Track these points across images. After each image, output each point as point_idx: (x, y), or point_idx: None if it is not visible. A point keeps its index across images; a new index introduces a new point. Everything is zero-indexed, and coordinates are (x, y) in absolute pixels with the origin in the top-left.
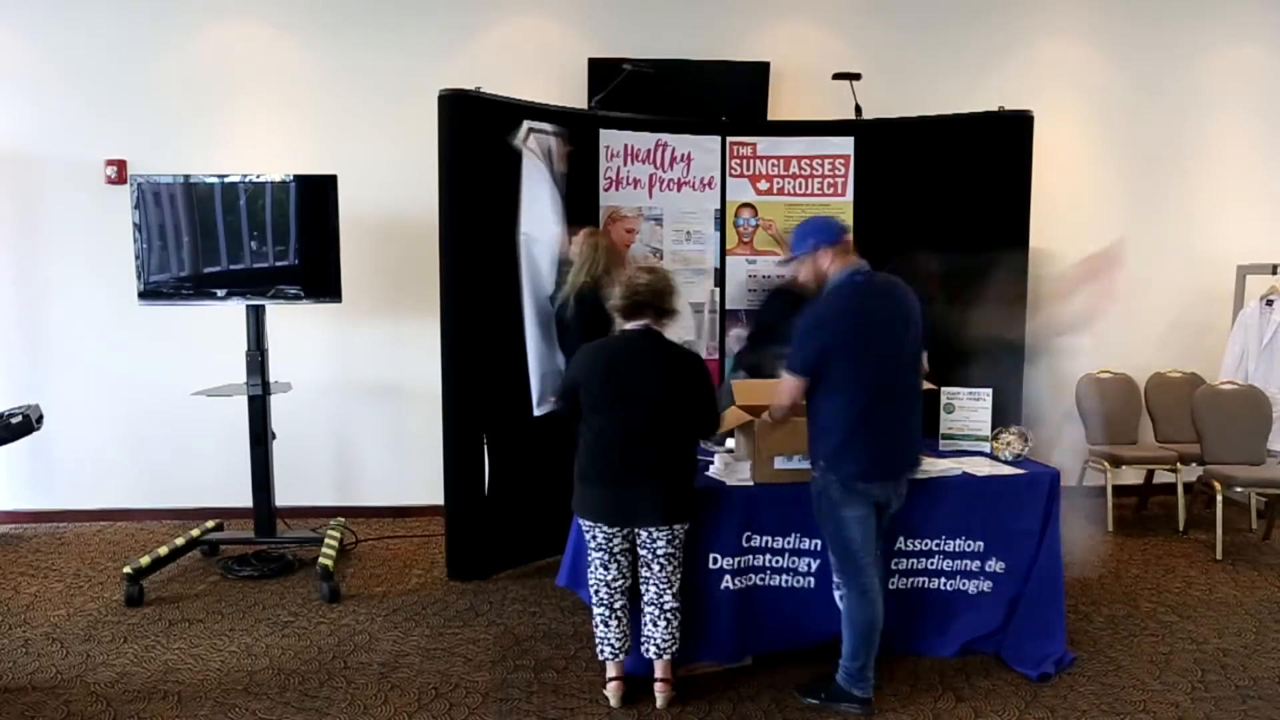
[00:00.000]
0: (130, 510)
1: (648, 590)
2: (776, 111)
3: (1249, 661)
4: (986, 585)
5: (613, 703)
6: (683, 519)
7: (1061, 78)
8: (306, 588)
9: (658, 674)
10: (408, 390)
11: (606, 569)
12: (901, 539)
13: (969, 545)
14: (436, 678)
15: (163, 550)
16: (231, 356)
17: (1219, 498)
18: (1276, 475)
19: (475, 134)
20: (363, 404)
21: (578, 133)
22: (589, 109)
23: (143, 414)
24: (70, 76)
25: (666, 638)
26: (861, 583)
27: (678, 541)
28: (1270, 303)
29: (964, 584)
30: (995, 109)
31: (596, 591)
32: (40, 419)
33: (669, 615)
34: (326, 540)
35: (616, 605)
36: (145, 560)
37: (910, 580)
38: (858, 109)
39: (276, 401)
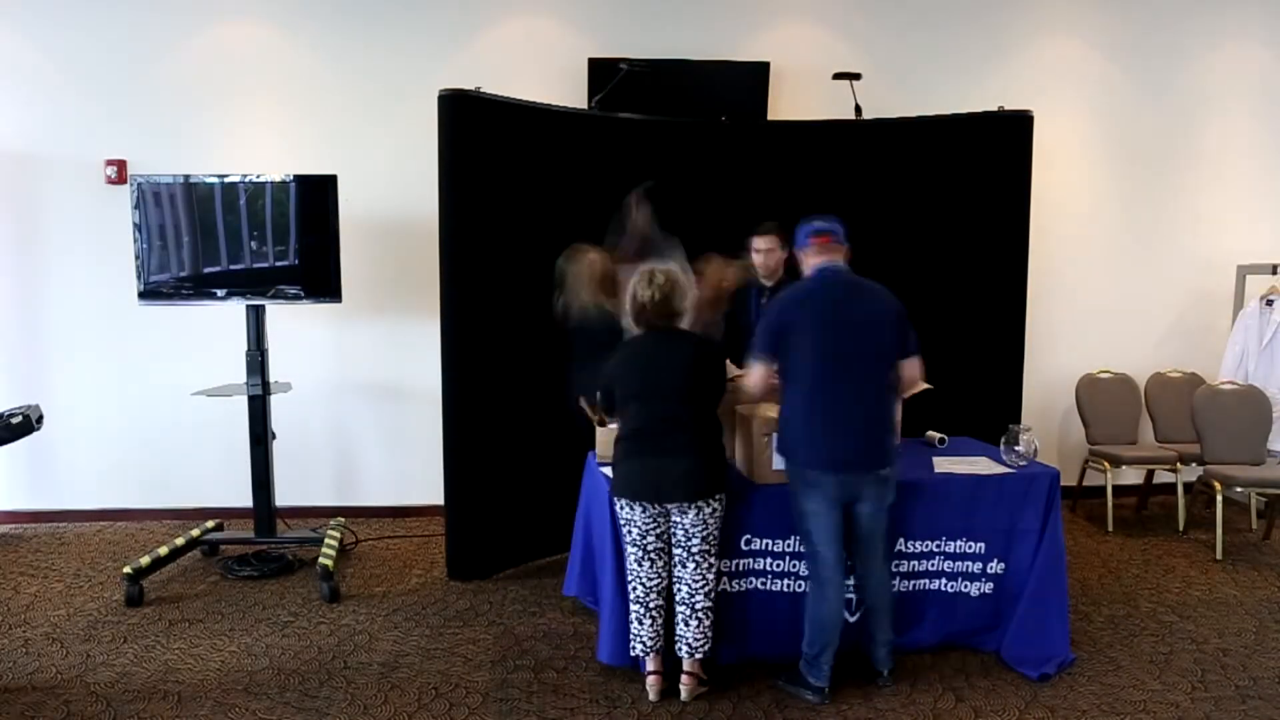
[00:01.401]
0: (130, 510)
1: (680, 590)
2: (776, 111)
3: (1249, 661)
4: (988, 587)
5: (651, 696)
6: (712, 492)
7: (1061, 78)
8: (306, 588)
9: (686, 668)
10: (408, 390)
11: (641, 564)
12: (902, 540)
13: (970, 546)
14: (436, 678)
15: (163, 550)
16: (231, 356)
17: (1219, 498)
18: (1276, 475)
19: (475, 134)
20: (363, 404)
21: (577, 133)
22: (589, 109)
23: (142, 414)
24: (70, 76)
25: (698, 637)
26: (821, 576)
27: (712, 537)
28: (1270, 303)
29: (965, 585)
30: (995, 109)
31: (634, 589)
32: (40, 419)
33: (700, 615)
34: (326, 540)
35: (652, 604)
36: (145, 560)
37: (912, 582)
38: (858, 109)
39: (276, 401)
